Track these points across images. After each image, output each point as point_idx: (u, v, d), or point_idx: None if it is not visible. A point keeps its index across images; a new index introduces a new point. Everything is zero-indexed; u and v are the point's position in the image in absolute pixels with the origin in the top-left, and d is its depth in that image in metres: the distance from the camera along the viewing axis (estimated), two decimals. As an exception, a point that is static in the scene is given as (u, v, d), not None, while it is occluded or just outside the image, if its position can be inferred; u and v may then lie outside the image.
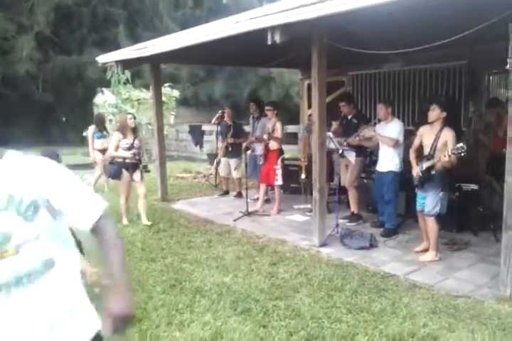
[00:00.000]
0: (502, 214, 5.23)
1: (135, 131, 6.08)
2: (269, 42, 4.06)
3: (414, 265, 4.46)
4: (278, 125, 6.28)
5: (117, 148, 5.87)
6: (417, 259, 4.56)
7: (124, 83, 13.67)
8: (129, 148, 5.85)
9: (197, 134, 12.74)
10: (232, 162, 7.58)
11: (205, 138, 12.92)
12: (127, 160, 5.88)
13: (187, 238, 5.47)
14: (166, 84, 13.56)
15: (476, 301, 3.57)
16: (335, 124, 5.80)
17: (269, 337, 3.04)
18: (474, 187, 5.62)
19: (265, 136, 6.30)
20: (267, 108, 6.50)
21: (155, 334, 3.09)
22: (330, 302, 3.58)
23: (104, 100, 14.90)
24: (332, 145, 5.13)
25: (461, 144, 4.04)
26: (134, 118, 6.09)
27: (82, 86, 20.83)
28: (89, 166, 12.25)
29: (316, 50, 4.42)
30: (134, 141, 5.92)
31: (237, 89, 17.70)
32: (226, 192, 8.03)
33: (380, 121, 5.38)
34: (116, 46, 19.65)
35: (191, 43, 4.94)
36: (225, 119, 7.69)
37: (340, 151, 5.08)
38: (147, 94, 13.78)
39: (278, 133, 6.28)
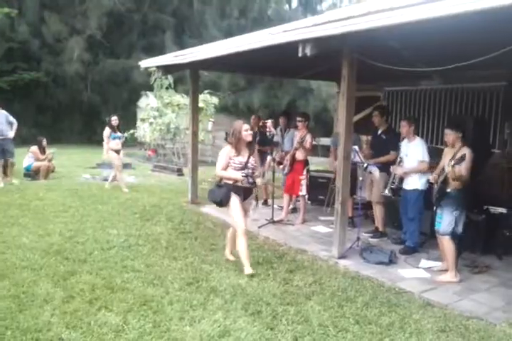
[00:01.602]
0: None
1: (251, 145, 4.64)
2: (300, 54, 4.20)
3: (432, 284, 4.43)
4: (308, 137, 6.38)
5: (227, 166, 4.51)
6: (435, 279, 4.53)
7: (167, 88, 14.17)
8: (242, 169, 4.48)
9: (232, 141, 12.98)
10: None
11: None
12: (239, 183, 4.50)
13: (210, 240, 5.63)
14: (206, 91, 13.93)
15: (488, 323, 3.54)
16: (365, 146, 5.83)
17: (275, 339, 3.14)
18: (503, 210, 5.52)
19: (295, 145, 6.40)
20: (298, 119, 6.59)
21: (167, 326, 3.25)
22: (340, 312, 3.64)
23: (146, 103, 15.43)
24: (357, 159, 5.19)
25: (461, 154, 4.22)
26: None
27: (128, 89, 21.61)
28: (126, 166, 12.74)
29: (346, 64, 4.53)
30: (248, 159, 4.52)
31: (276, 99, 17.92)
32: None
33: (403, 138, 5.39)
34: (163, 52, 20.36)
35: (226, 52, 5.15)
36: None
37: (365, 165, 5.14)
38: (187, 100, 14.22)
39: (307, 144, 6.38)
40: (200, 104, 13.65)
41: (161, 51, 19.98)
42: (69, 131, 21.45)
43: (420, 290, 4.24)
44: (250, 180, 4.53)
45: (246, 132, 4.44)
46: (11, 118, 9.22)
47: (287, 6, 20.56)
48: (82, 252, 4.92)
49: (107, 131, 8.97)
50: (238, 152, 4.49)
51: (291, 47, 4.30)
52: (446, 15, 3.14)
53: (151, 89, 16.48)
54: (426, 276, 4.67)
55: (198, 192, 8.14)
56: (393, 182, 5.39)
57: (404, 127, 5.25)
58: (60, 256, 4.77)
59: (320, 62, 4.84)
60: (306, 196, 6.83)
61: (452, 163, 4.13)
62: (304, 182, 6.50)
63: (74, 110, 21.59)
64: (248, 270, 4.39)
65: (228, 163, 4.50)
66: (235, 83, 18.39)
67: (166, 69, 6.94)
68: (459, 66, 4.29)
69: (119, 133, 9.11)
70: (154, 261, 4.71)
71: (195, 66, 6.74)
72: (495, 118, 6.63)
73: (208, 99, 13.80)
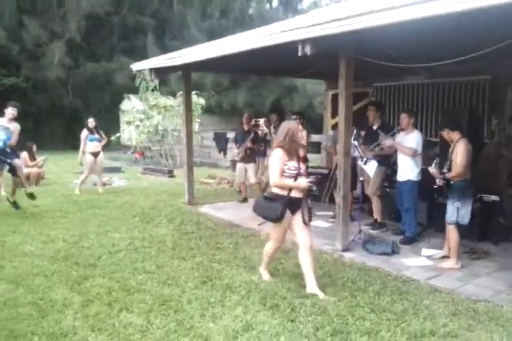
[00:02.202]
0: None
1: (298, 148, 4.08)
2: (300, 54, 4.31)
3: (435, 271, 4.61)
4: (304, 134, 6.51)
5: (282, 173, 3.90)
6: (438, 266, 4.70)
7: (152, 90, 14.14)
8: (296, 175, 3.91)
9: (221, 141, 13.05)
10: (250, 167, 7.81)
11: (229, 145, 13.23)
12: (293, 194, 3.92)
13: (214, 239, 5.71)
14: (193, 92, 13.93)
15: (495, 305, 3.72)
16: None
17: (297, 330, 3.25)
18: (495, 198, 5.73)
19: None
20: (293, 117, 6.72)
21: (190, 324, 3.33)
22: (354, 301, 3.76)
23: (131, 106, 15.37)
24: (356, 154, 5.33)
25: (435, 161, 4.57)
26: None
27: (110, 92, 21.47)
28: (115, 169, 12.71)
29: (343, 62, 4.66)
30: (299, 163, 3.98)
31: (260, 98, 18.00)
32: (245, 199, 8.19)
33: (400, 130, 5.54)
34: (144, 54, 20.26)
35: (223, 53, 5.22)
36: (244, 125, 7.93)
37: (364, 159, 5.29)
38: (173, 102, 14.22)
39: (303, 141, 6.50)
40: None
41: (143, 53, 19.91)
42: (50, 137, 21.16)
43: (425, 278, 4.41)
44: (313, 188, 4.02)
45: (301, 132, 3.80)
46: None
47: (268, 5, 20.66)
48: (90, 257, 4.94)
49: (84, 132, 9.05)
50: (290, 156, 3.93)
51: (288, 47, 4.41)
52: (438, 14, 3.30)
53: (134, 91, 16.43)
54: (429, 264, 4.84)
55: (194, 193, 8.21)
56: (372, 151, 5.57)
57: (404, 119, 5.41)
58: (69, 261, 4.79)
59: (312, 61, 4.92)
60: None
61: (433, 164, 4.34)
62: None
63: (55, 116, 21.33)
64: (265, 275, 4.27)
65: (283, 170, 3.88)
66: (218, 83, 18.41)
67: (158, 71, 6.97)
68: (446, 61, 4.50)
69: (96, 135, 9.13)
70: (164, 262, 4.77)
71: (188, 67, 6.77)
72: (482, 110, 6.84)
73: (195, 100, 13.81)
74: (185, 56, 5.95)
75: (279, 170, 3.91)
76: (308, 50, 4.19)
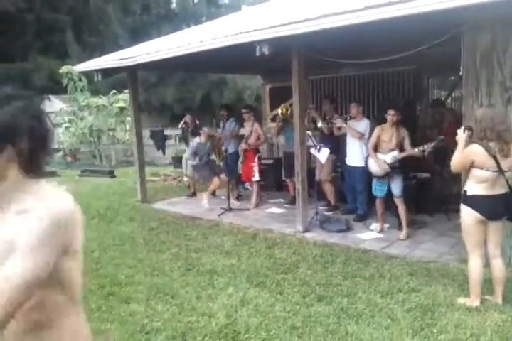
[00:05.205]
0: (451, 199, 6.22)
1: None
2: (258, 53, 4.71)
3: (386, 241, 5.28)
4: (256, 125, 6.97)
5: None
6: (400, 238, 5.33)
7: (81, 90, 13.79)
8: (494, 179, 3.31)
9: (159, 139, 13.07)
10: None
11: (168, 142, 13.34)
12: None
13: (182, 232, 5.98)
14: (126, 91, 13.78)
15: (443, 264, 4.42)
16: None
17: (287, 300, 3.69)
18: (427, 175, 6.56)
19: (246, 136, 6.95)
20: (244, 111, 7.13)
21: (191, 306, 3.64)
22: (327, 272, 4.28)
23: (60, 107, 14.83)
24: (310, 143, 5.84)
25: (433, 144, 4.96)
26: None
27: (28, 93, 20.32)
28: (49, 174, 12.30)
29: (296, 60, 5.13)
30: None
31: (189, 93, 18.05)
32: (194, 194, 8.46)
33: (350, 118, 6.13)
34: (63, 52, 19.45)
35: (181, 53, 5.46)
36: (188, 124, 8.32)
37: (318, 147, 5.81)
38: (106, 101, 13.96)
39: (259, 131, 6.96)
40: (122, 104, 13.55)
41: (62, 51, 19.13)
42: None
43: (380, 247, 5.05)
44: None
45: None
46: None
47: (190, 0, 20.70)
48: (65, 258, 5.01)
49: None
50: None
51: (244, 47, 4.80)
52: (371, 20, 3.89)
53: (54, 92, 15.88)
54: (379, 236, 5.51)
55: (146, 191, 8.33)
56: (326, 123, 6.18)
57: (353, 108, 6.00)
58: (46, 264, 4.84)
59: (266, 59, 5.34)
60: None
61: (426, 148, 4.93)
62: (256, 169, 7.06)
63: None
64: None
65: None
66: (145, 80, 18.17)
67: (105, 72, 6.99)
68: (378, 53, 5.12)
69: None
70: (143, 257, 4.98)
71: (137, 67, 6.86)
72: (408, 97, 7.68)
73: (126, 98, 13.66)
74: (139, 56, 6.06)
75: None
76: (265, 49, 4.59)
